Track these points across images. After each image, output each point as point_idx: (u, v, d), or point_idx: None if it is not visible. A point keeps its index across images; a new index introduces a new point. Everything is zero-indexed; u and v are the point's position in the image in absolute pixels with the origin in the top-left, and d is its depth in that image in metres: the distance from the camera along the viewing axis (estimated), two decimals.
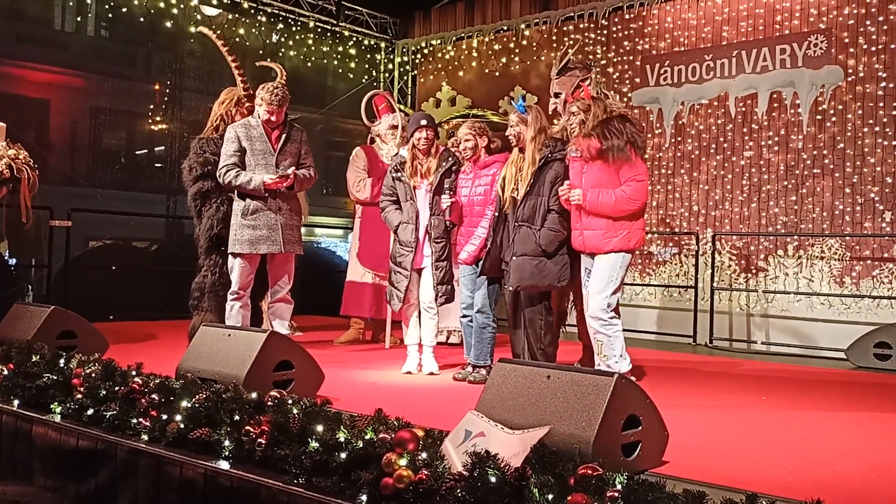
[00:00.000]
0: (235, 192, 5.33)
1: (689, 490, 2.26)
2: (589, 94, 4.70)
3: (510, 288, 4.80)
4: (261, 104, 5.28)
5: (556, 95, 5.50)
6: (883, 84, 7.07)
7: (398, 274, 5.22)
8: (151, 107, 10.22)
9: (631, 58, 8.62)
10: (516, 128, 4.88)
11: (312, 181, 5.52)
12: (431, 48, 10.51)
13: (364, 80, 10.57)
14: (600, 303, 4.54)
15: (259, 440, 2.97)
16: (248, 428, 3.04)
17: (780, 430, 3.87)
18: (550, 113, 5.51)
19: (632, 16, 8.64)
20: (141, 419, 3.43)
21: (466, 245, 5.15)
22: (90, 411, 3.65)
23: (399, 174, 5.27)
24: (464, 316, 5.21)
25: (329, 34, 10.25)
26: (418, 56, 10.69)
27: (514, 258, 4.76)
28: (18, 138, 6.09)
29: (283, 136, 5.34)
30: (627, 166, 4.52)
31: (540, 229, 4.74)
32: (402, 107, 8.73)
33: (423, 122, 5.24)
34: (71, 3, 11.19)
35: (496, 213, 4.93)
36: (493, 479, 2.34)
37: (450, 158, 5.27)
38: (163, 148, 10.37)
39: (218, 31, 6.21)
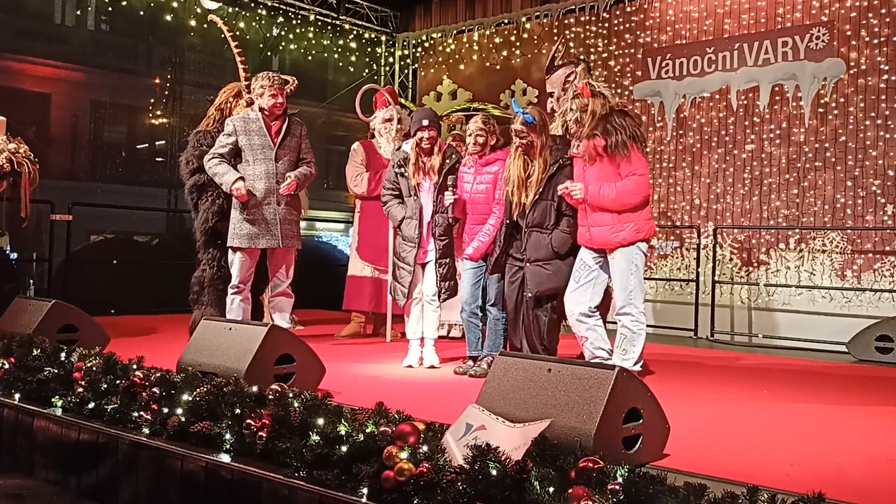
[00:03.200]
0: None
1: (691, 483, 2.26)
2: (588, 91, 4.65)
3: (529, 295, 4.79)
4: (262, 92, 5.24)
5: (551, 94, 5.48)
6: (885, 77, 7.05)
7: (402, 269, 5.22)
8: (152, 101, 10.21)
9: (632, 51, 8.60)
10: (527, 137, 4.73)
11: (312, 178, 5.52)
12: (432, 41, 10.49)
13: (365, 74, 10.55)
14: (626, 297, 4.58)
15: (260, 433, 2.97)
16: (249, 421, 3.04)
17: (782, 423, 3.87)
18: (549, 111, 5.48)
19: (633, 8, 8.62)
20: (142, 412, 3.44)
21: (473, 241, 5.12)
22: (91, 405, 3.66)
23: (402, 169, 5.25)
24: (464, 311, 5.20)
25: (329, 28, 10.23)
26: (419, 49, 10.66)
27: (528, 265, 4.77)
28: (19, 132, 6.09)
29: (283, 128, 5.32)
30: (627, 161, 4.52)
31: (552, 233, 4.76)
32: (403, 101, 8.70)
33: (426, 123, 5.16)
34: None
35: (506, 221, 4.90)
36: (493, 472, 2.34)
37: (453, 156, 5.24)
38: (163, 142, 10.37)
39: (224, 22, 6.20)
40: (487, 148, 5.18)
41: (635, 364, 4.57)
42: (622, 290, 4.60)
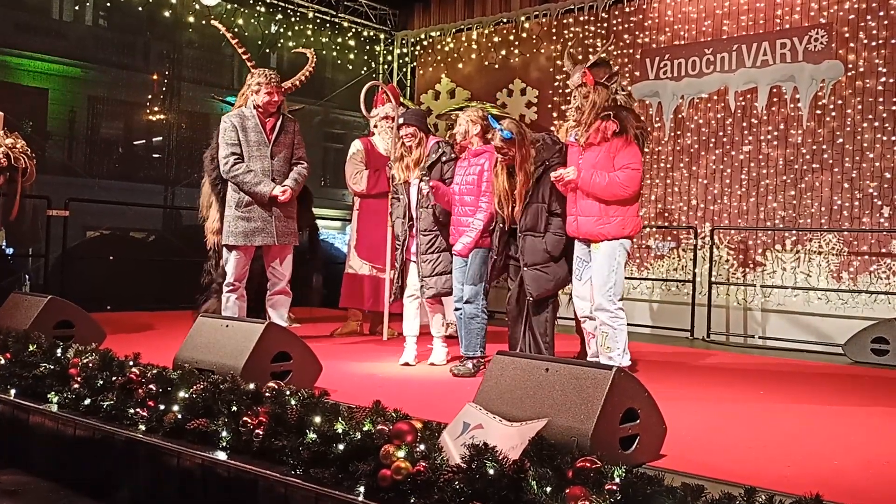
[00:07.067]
0: (230, 183, 5.30)
1: (688, 484, 2.26)
2: (591, 80, 4.65)
3: (530, 298, 4.81)
4: (258, 89, 5.26)
5: (583, 85, 5.40)
6: (883, 79, 7.06)
7: (396, 266, 5.29)
8: (149, 97, 10.18)
9: (631, 51, 8.60)
10: (507, 152, 4.72)
11: (306, 178, 5.53)
12: (431, 40, 10.48)
13: (363, 72, 10.53)
14: (605, 293, 4.57)
15: (257, 431, 2.96)
16: (245, 419, 3.03)
17: (778, 424, 3.87)
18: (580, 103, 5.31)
19: (632, 9, 8.62)
20: (138, 409, 3.43)
21: (462, 237, 5.12)
22: (87, 401, 3.65)
23: (392, 171, 5.36)
24: (456, 309, 5.20)
25: (328, 25, 10.20)
26: (417, 48, 10.65)
27: (526, 269, 4.79)
28: (16, 127, 6.07)
29: (277, 125, 5.33)
30: (624, 152, 4.54)
31: (544, 236, 4.78)
32: (403, 99, 8.70)
33: (401, 121, 5.33)
34: None
35: (501, 227, 4.90)
36: (491, 472, 2.34)
37: (439, 150, 5.26)
38: (160, 138, 10.33)
39: (224, 23, 6.18)
40: (467, 137, 5.18)
41: (623, 357, 4.57)
42: (601, 286, 4.58)
